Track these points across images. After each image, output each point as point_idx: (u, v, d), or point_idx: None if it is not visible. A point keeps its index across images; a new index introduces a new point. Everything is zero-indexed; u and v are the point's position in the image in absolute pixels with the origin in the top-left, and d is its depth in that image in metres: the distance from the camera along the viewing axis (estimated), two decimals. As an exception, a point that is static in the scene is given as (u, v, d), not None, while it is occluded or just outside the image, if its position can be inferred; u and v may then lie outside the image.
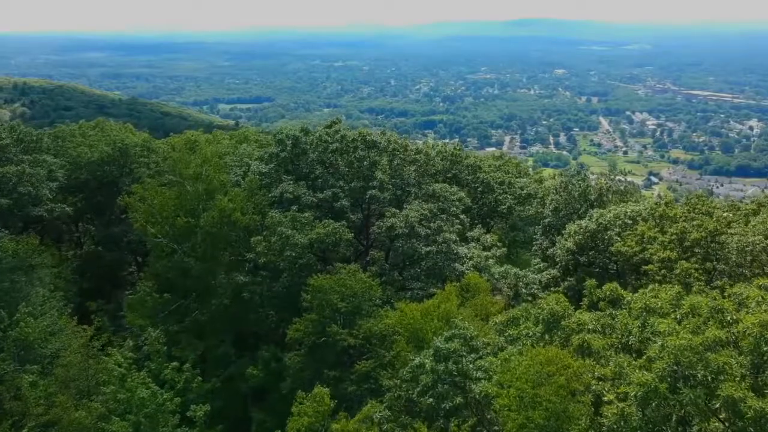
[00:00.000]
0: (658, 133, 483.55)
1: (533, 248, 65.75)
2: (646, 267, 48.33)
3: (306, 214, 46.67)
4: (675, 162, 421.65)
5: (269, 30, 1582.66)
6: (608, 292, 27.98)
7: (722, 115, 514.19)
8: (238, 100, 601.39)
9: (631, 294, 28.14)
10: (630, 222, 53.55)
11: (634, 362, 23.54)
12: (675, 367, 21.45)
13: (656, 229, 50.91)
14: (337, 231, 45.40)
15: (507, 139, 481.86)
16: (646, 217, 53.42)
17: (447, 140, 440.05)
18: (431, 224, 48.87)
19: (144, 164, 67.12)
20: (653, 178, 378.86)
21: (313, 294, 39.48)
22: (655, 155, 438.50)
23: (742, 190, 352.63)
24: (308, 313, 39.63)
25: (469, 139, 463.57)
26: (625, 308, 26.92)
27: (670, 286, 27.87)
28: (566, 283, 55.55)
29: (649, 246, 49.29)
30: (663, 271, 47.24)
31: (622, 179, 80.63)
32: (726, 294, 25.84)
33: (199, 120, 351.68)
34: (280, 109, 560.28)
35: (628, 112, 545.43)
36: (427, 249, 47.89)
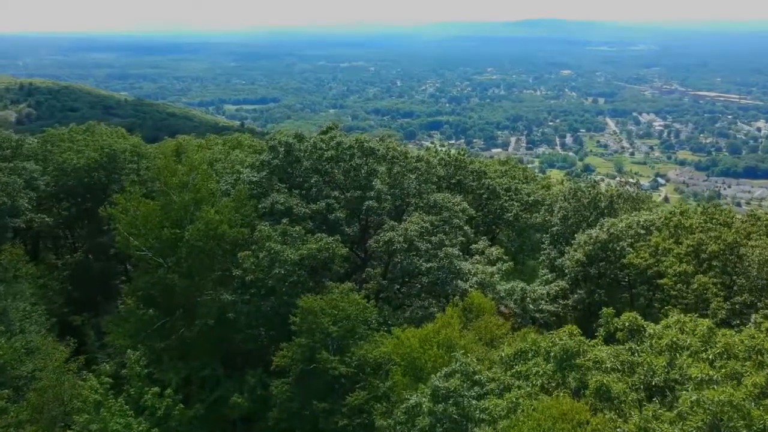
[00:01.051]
0: (665, 134, 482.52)
1: (540, 258, 63.24)
2: (661, 281, 45.93)
3: (297, 228, 43.50)
4: (682, 163, 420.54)
5: (275, 30, 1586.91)
6: (627, 323, 24.91)
7: (729, 116, 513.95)
8: (244, 100, 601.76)
9: (653, 325, 25.07)
10: (643, 232, 51.06)
11: (661, 411, 20.46)
12: (712, 426, 18.38)
13: (671, 240, 48.31)
14: (331, 246, 42.18)
15: (513, 140, 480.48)
16: (660, 226, 50.83)
17: (453, 141, 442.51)
18: (432, 238, 45.71)
19: (133, 170, 64.30)
20: (660, 180, 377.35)
21: (303, 316, 36.21)
22: (662, 156, 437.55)
23: (749, 192, 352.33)
24: (297, 337, 36.52)
25: (475, 140, 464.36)
26: (647, 342, 23.84)
27: (698, 317, 24.79)
28: (575, 295, 53.39)
29: (663, 258, 46.73)
30: (679, 286, 44.86)
31: (633, 181, 78.03)
32: (764, 328, 22.71)
33: (205, 121, 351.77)
34: (286, 109, 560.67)
35: (634, 113, 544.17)
36: (428, 265, 44.69)
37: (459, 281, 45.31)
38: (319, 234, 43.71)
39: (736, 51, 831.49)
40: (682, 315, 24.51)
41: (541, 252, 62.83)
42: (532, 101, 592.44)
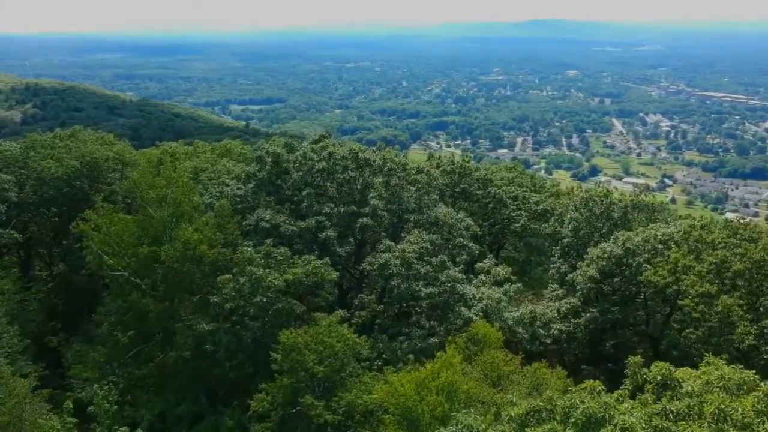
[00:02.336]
0: (671, 135, 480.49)
1: (550, 271, 59.48)
2: (681, 302, 42.05)
3: (282, 249, 39.38)
4: (689, 164, 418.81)
5: (281, 31, 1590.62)
6: (659, 376, 21.09)
7: (737, 117, 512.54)
8: (250, 101, 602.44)
9: (689, 372, 21.22)
10: (661, 247, 47.00)
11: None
12: None
13: (691, 256, 44.27)
14: (319, 270, 38.01)
15: (519, 140, 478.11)
16: (678, 241, 46.74)
17: (459, 141, 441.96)
18: (433, 259, 41.55)
19: (116, 180, 60.50)
20: (667, 180, 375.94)
21: (285, 354, 32.07)
22: (668, 157, 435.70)
23: (757, 193, 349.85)
24: (279, 376, 32.41)
25: (481, 141, 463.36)
26: (684, 401, 19.94)
27: (742, 368, 20.94)
28: (588, 314, 49.53)
29: (683, 276, 42.68)
30: (701, 308, 40.96)
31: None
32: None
33: (210, 121, 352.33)
34: (291, 110, 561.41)
35: (641, 114, 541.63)
36: (428, 290, 40.53)
37: (462, 308, 41.22)
38: (307, 256, 39.60)
39: (743, 51, 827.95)
40: (725, 367, 20.67)
41: (551, 265, 59.09)
42: (539, 102, 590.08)
